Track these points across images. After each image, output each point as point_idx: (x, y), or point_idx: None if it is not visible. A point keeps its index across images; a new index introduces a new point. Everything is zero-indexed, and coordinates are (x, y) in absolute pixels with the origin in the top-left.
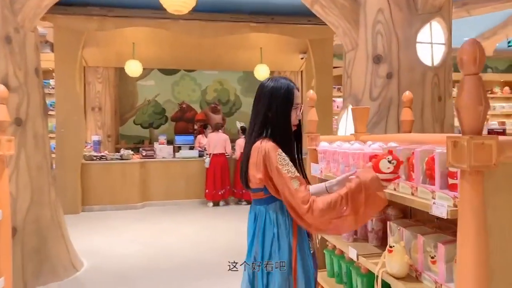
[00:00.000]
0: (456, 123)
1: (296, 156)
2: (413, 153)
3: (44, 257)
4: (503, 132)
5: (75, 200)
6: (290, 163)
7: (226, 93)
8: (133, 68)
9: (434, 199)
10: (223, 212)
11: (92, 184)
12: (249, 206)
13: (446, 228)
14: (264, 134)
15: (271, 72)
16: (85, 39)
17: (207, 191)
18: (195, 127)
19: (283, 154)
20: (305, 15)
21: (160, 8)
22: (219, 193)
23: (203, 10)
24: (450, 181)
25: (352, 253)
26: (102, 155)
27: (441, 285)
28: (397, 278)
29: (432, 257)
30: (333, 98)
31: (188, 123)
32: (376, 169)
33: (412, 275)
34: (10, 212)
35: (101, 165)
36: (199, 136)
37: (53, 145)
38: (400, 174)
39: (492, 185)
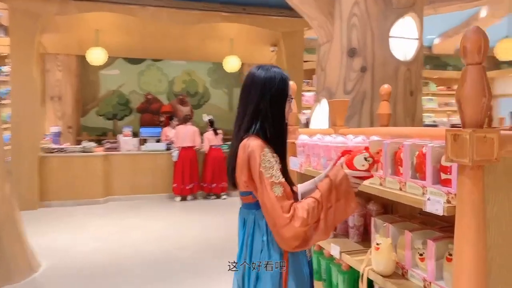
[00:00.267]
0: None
1: (285, 154)
2: (400, 147)
3: None
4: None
5: (32, 195)
6: (276, 166)
7: (194, 85)
8: (96, 56)
9: (425, 194)
10: (191, 207)
11: (51, 178)
12: (218, 200)
13: (432, 223)
14: (253, 129)
15: (242, 64)
16: (44, 23)
17: (175, 185)
18: (161, 119)
19: (269, 155)
20: (278, 7)
21: None
22: (188, 187)
23: None
24: (443, 176)
25: (334, 250)
26: (62, 148)
27: (430, 283)
28: (383, 276)
29: (421, 254)
30: (302, 93)
31: (154, 114)
32: (350, 165)
33: (399, 272)
34: None
35: (61, 158)
36: (166, 129)
37: (8, 136)
38: (387, 169)
39: (492, 180)
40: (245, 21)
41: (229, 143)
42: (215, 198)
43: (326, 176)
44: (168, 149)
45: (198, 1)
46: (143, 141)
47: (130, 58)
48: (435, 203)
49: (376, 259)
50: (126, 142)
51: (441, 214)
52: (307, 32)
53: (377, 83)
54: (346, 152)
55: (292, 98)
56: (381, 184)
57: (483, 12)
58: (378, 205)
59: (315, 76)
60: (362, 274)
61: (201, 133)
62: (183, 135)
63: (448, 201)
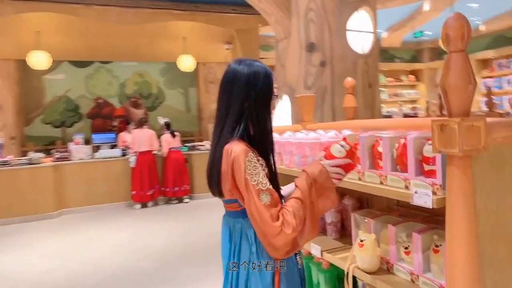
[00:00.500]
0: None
1: (272, 159)
2: (377, 140)
3: None
4: (416, 116)
5: None
6: (262, 172)
7: (147, 86)
8: (38, 60)
9: (408, 187)
10: (153, 213)
11: None
12: (180, 204)
13: (411, 215)
14: (237, 131)
15: (197, 64)
16: None
17: (134, 192)
18: (114, 123)
19: (254, 159)
20: (231, 4)
21: None
22: (148, 193)
23: None
24: (426, 167)
25: (315, 249)
26: (6, 161)
27: (417, 276)
28: (369, 273)
29: (406, 248)
30: None
31: (106, 119)
32: (328, 154)
33: (383, 267)
34: None
35: (4, 171)
36: (122, 134)
37: None
38: (365, 163)
39: (479, 169)
40: (198, 19)
41: (189, 144)
42: (177, 203)
43: (303, 171)
44: (124, 155)
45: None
46: (96, 148)
47: (76, 61)
48: (422, 196)
49: (360, 256)
50: (78, 150)
51: (430, 207)
52: (262, 29)
53: (337, 77)
54: (327, 147)
55: (276, 96)
56: (360, 179)
57: (426, 6)
58: (354, 199)
59: (273, 72)
60: (347, 273)
61: (158, 136)
62: (139, 139)
63: (434, 193)
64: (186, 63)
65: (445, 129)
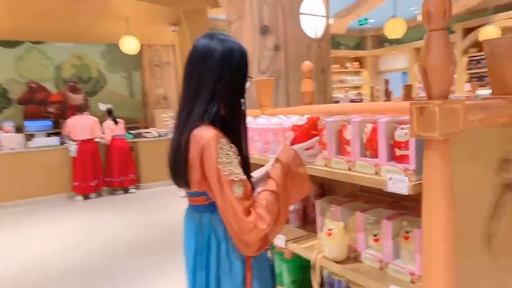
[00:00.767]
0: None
1: (243, 145)
2: (345, 124)
3: None
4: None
5: None
6: (235, 161)
7: (87, 69)
8: None
9: (379, 173)
10: (97, 205)
11: None
12: (126, 194)
13: (377, 200)
14: (207, 114)
15: (141, 46)
16: None
17: (76, 183)
18: (50, 110)
19: (227, 146)
20: None
21: None
22: (92, 184)
23: None
24: (398, 152)
25: (279, 240)
26: None
27: (387, 263)
28: (337, 262)
29: (375, 235)
30: None
31: (40, 105)
32: (293, 127)
33: (351, 256)
34: None
35: None
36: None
37: None
38: (332, 149)
39: (455, 153)
40: None
41: (134, 132)
42: (122, 193)
43: (277, 160)
44: (63, 143)
45: None
46: (29, 137)
47: (3, 40)
48: (397, 183)
49: (329, 245)
50: (8, 139)
51: (406, 194)
52: (211, 11)
53: (291, 62)
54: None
55: (251, 78)
56: (326, 165)
57: None
58: (315, 186)
59: None
60: (314, 263)
61: (100, 123)
62: (80, 126)
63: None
64: (129, 45)
65: (424, 112)
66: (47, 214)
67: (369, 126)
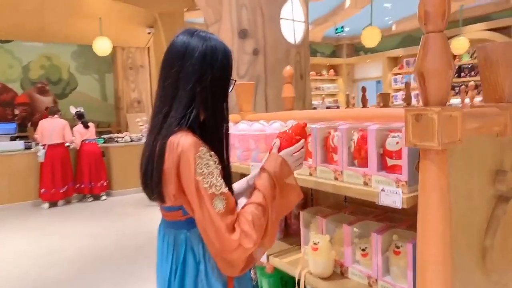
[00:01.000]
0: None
1: (225, 154)
2: (331, 131)
3: None
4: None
5: None
6: (216, 171)
7: (56, 71)
8: None
9: (368, 183)
10: (64, 213)
11: None
12: (97, 202)
13: (363, 212)
14: (186, 119)
15: (114, 48)
16: None
17: (43, 190)
18: (16, 112)
19: (207, 155)
20: None
21: None
22: (61, 191)
23: None
24: (390, 161)
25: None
26: None
27: (376, 280)
28: (322, 278)
29: (363, 249)
30: None
31: (6, 107)
32: (283, 143)
33: (337, 271)
34: None
35: None
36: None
37: None
38: (317, 157)
39: (452, 164)
40: None
41: (105, 136)
42: (92, 200)
43: (263, 170)
44: (28, 148)
45: None
46: None
47: None
48: (391, 195)
49: (314, 260)
50: None
51: (400, 207)
52: (187, 14)
53: (270, 67)
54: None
55: (234, 81)
56: (311, 174)
57: (348, 2)
58: None
59: None
60: (299, 280)
61: (70, 127)
62: (49, 130)
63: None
64: (102, 46)
65: (421, 119)
66: (8, 223)
67: (357, 134)
